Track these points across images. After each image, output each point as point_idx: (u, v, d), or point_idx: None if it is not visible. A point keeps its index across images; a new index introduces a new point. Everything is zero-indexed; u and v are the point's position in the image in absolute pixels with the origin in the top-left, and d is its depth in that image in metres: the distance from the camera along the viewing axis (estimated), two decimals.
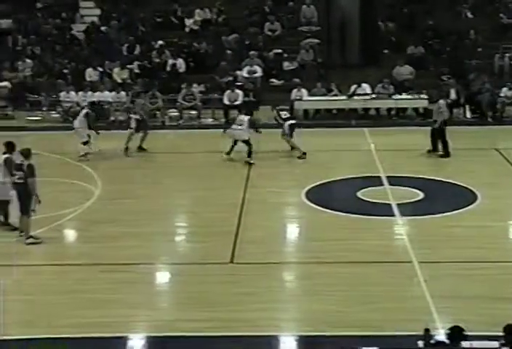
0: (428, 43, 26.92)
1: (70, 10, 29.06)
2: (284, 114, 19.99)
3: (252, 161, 18.72)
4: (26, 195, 13.61)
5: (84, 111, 19.82)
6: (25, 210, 13.69)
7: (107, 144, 20.94)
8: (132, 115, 20.51)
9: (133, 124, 20.09)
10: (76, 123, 19.66)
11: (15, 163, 13.85)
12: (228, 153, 19.22)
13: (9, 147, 14.35)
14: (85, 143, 19.38)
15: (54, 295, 11.68)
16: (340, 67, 26.41)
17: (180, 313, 11.06)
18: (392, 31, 27.79)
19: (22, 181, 13.61)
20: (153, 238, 14.07)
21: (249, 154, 18.81)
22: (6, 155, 14.20)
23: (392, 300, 11.27)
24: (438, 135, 19.15)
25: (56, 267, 12.82)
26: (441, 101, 19.78)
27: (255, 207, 15.64)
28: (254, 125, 19.45)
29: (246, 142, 18.94)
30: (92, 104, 21.02)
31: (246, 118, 19.24)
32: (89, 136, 19.46)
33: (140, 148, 20.13)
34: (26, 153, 13.81)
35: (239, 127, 19.05)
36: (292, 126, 19.71)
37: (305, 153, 19.33)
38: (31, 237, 13.76)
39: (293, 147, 19.65)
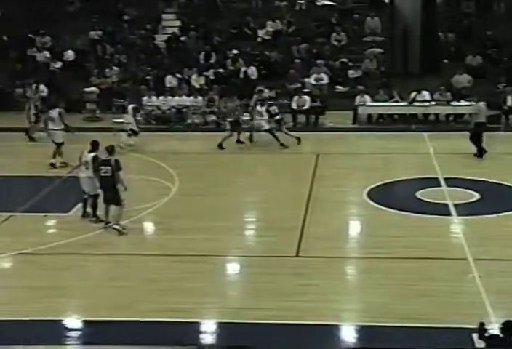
0: (485, 52, 26.34)
1: (154, 22, 29.38)
2: (273, 110, 20.79)
3: (285, 145, 20.01)
4: (115, 188, 13.84)
5: (131, 106, 20.96)
6: (117, 201, 13.91)
7: (184, 144, 21.15)
8: (227, 119, 20.85)
9: (228, 126, 20.59)
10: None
11: (102, 159, 14.10)
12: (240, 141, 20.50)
13: (95, 145, 14.65)
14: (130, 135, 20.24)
15: (137, 282, 11.84)
16: (401, 76, 26.07)
17: (248, 302, 11.08)
18: (451, 42, 27.30)
19: (109, 174, 13.83)
20: (225, 232, 14.12)
21: (277, 139, 19.95)
22: (94, 154, 14.47)
23: (447, 295, 11.08)
24: (473, 136, 18.82)
25: (137, 257, 12.98)
26: (479, 104, 19.50)
27: (320, 205, 15.54)
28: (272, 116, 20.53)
29: (269, 132, 19.94)
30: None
31: (263, 108, 20.33)
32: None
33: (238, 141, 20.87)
34: (111, 149, 14.11)
35: (260, 118, 20.11)
36: (279, 121, 20.72)
37: (282, 144, 20.12)
38: (118, 225, 14.01)
39: (277, 139, 20.22)
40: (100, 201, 14.32)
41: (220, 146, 20.30)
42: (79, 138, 18.12)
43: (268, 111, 20.58)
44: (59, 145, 18.74)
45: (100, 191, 14.36)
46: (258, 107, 20.44)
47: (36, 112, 21.99)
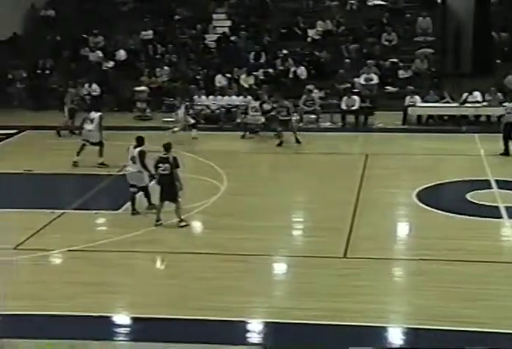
0: None
1: (204, 22, 29.56)
2: (265, 107, 21.62)
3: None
4: (172, 185, 13.98)
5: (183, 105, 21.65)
6: (173, 198, 14.08)
7: (233, 144, 21.23)
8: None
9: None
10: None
11: (160, 157, 14.17)
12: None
13: (140, 140, 14.96)
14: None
15: (185, 280, 11.92)
16: (452, 76, 25.77)
17: (294, 302, 11.06)
18: (505, 41, 26.88)
19: (167, 172, 13.97)
20: (273, 232, 14.12)
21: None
22: (140, 148, 14.77)
23: (499, 299, 10.91)
24: (504, 135, 18.71)
25: (185, 255, 13.07)
26: (507, 104, 19.36)
27: (368, 206, 15.44)
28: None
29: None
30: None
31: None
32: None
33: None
34: (167, 147, 14.22)
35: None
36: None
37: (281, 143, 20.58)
38: (182, 220, 14.26)
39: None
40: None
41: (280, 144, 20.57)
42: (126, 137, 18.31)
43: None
44: (97, 144, 18.82)
45: (148, 183, 14.64)
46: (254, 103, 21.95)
47: (74, 107, 22.31)
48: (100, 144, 18.84)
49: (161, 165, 14.03)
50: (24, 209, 15.48)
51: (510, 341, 9.51)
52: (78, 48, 28.71)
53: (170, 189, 14.04)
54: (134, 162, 14.81)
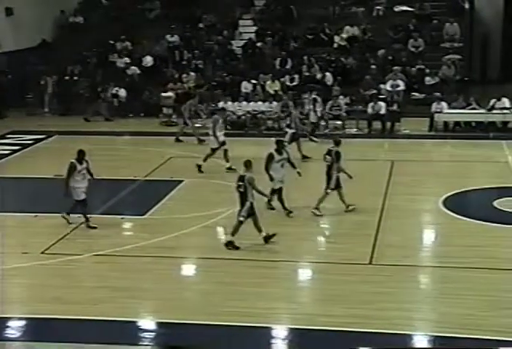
0: None
1: (231, 28, 29.65)
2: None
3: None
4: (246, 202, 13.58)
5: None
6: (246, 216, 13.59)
7: (259, 150, 21.13)
8: (287, 130, 20.16)
9: (287, 137, 19.69)
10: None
11: (240, 175, 13.77)
12: None
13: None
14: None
15: (212, 286, 11.96)
16: (480, 83, 25.59)
17: (320, 308, 11.04)
18: None
19: (242, 190, 13.50)
20: (298, 238, 14.11)
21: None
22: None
23: None
24: None
25: (212, 261, 13.08)
26: None
27: (394, 213, 15.36)
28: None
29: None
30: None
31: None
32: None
33: (304, 157, 19.88)
34: (248, 165, 13.75)
35: None
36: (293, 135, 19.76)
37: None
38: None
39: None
40: None
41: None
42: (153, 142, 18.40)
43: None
44: (221, 149, 18.81)
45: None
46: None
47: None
48: (216, 149, 18.78)
49: (240, 183, 13.54)
50: (52, 213, 15.58)
51: None
52: (106, 54, 28.93)
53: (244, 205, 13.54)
54: None
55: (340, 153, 15.16)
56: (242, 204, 13.53)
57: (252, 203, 13.42)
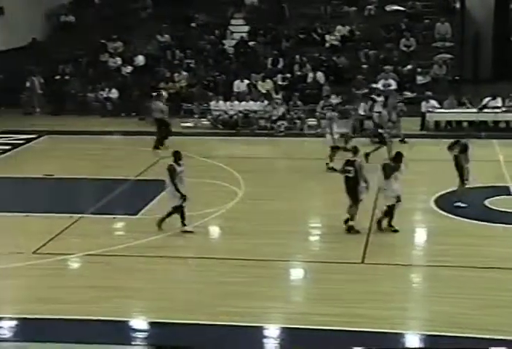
0: None
1: (222, 27, 29.64)
2: None
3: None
4: (355, 188, 13.97)
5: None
6: (355, 200, 14.05)
7: (251, 149, 21.24)
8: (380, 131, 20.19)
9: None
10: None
11: (347, 160, 14.25)
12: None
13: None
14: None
15: (203, 285, 11.96)
16: (471, 82, 25.67)
17: (313, 307, 11.06)
18: None
19: (352, 175, 13.97)
20: (290, 237, 14.12)
21: None
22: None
23: None
24: None
25: (203, 260, 13.10)
26: None
27: None
28: None
29: None
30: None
31: None
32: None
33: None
34: (355, 150, 14.29)
35: None
36: None
37: None
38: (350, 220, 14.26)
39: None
40: None
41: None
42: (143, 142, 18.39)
43: None
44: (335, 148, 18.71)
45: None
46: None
47: None
48: (337, 148, 18.58)
49: (347, 168, 14.06)
50: (43, 213, 15.57)
51: None
52: (98, 53, 28.88)
53: (352, 192, 14.03)
54: None
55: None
56: (348, 189, 13.94)
57: (366, 188, 13.96)
